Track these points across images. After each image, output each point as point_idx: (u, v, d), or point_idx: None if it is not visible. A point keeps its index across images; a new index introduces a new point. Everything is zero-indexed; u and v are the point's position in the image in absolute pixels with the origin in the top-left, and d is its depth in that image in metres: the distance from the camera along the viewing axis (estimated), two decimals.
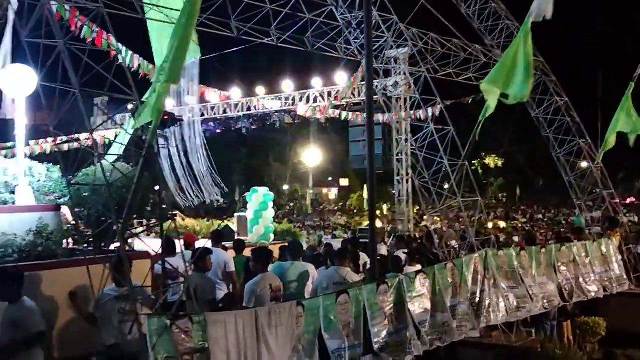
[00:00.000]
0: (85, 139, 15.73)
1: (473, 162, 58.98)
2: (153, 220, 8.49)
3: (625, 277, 11.61)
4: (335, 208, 54.16)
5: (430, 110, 15.80)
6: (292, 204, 54.85)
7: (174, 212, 20.78)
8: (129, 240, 8.38)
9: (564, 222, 32.03)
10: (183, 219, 20.82)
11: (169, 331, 4.86)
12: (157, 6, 9.55)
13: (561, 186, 18.22)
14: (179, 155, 23.79)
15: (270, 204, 17.74)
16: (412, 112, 18.51)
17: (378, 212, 37.61)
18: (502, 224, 29.28)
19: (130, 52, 17.14)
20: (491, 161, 62.00)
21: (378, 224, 25.10)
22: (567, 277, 10.10)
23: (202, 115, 24.72)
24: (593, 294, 10.51)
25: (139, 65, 17.67)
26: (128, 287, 5.77)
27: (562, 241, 13.83)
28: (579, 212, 18.46)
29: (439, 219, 21.45)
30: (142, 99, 6.00)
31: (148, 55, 15.44)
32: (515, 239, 18.05)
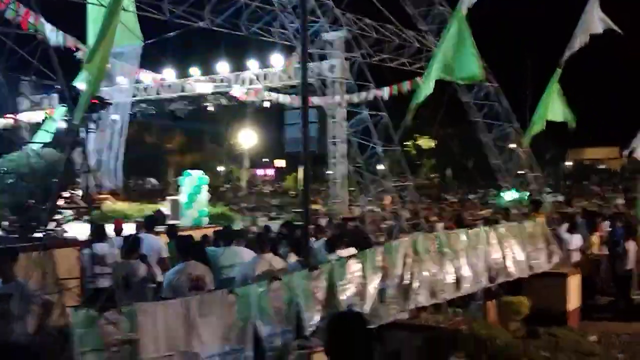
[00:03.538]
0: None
1: (407, 143, 59.83)
2: (81, 205, 8.28)
3: (548, 257, 12.01)
4: (271, 189, 54.06)
5: (364, 95, 15.88)
6: (227, 186, 54.43)
7: (104, 196, 20.44)
8: (56, 228, 8.14)
9: (491, 202, 32.86)
10: (114, 203, 20.34)
11: (96, 323, 4.73)
12: None
13: (490, 167, 18.67)
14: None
15: (205, 187, 17.54)
16: (346, 96, 18.58)
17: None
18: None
19: (62, 34, 16.41)
20: (424, 143, 62.94)
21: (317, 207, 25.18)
22: (494, 258, 10.34)
23: (134, 95, 24.13)
24: (517, 274, 10.81)
25: (77, 48, 17.07)
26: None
27: (490, 222, 14.23)
28: (504, 194, 18.99)
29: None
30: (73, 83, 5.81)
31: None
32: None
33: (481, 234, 10.17)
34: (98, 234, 8.22)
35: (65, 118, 6.35)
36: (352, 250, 9.47)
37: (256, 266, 7.65)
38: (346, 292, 7.20)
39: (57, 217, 7.66)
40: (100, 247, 8.27)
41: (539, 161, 18.31)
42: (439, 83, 8.21)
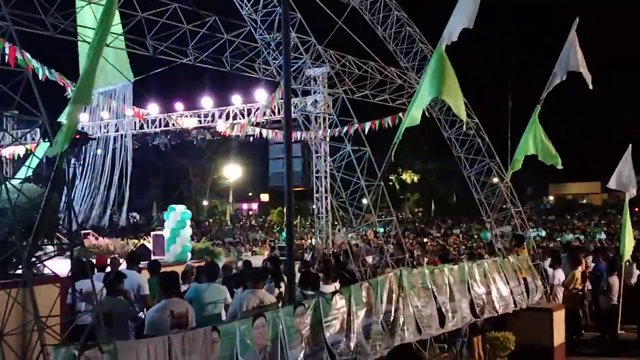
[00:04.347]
0: None
1: (390, 177, 60.19)
2: (63, 241, 8.17)
3: (532, 292, 12.01)
4: (255, 224, 53.84)
5: (347, 129, 15.95)
6: (211, 220, 54.17)
7: (86, 232, 20.24)
8: (37, 264, 8.01)
9: (475, 237, 32.95)
10: (96, 238, 20.15)
11: None
12: (83, 27, 9.27)
13: (473, 202, 18.71)
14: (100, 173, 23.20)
15: (188, 222, 17.44)
16: (329, 130, 18.66)
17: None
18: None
19: (48, 70, 16.41)
20: (407, 177, 63.35)
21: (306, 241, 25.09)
22: (478, 294, 10.34)
23: (117, 130, 24.10)
24: (503, 309, 10.80)
25: (64, 84, 17.11)
26: None
27: (474, 257, 14.25)
28: (488, 228, 19.01)
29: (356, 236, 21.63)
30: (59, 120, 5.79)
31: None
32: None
33: (466, 269, 10.18)
34: (80, 270, 8.11)
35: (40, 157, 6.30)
36: (337, 286, 9.44)
37: (246, 301, 7.58)
38: (331, 329, 7.14)
39: (38, 253, 7.54)
40: (82, 284, 8.16)
41: (520, 196, 18.37)
42: (422, 118, 8.27)
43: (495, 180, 18.55)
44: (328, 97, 17.40)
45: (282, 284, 9.42)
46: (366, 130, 19.75)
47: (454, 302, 9.58)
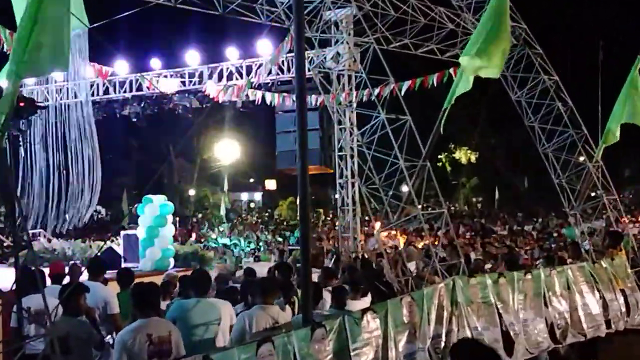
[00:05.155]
0: None
1: (439, 156, 59.96)
2: (5, 243, 8.26)
3: (632, 309, 11.97)
4: (259, 220, 54.06)
5: (379, 92, 15.89)
6: (200, 215, 54.44)
7: (36, 232, 20.45)
8: None
9: (555, 234, 32.77)
10: (49, 241, 20.37)
11: None
12: None
13: (551, 189, 18.60)
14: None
15: (169, 218, 17.53)
16: (356, 93, 18.60)
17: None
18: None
19: None
20: (462, 155, 63.04)
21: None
22: (559, 311, 10.33)
23: (75, 96, 24.26)
24: (592, 331, 10.77)
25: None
26: None
27: (554, 262, 14.18)
28: (573, 222, 18.91)
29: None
30: None
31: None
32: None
33: (542, 279, 10.16)
34: (29, 282, 8.20)
35: None
36: (368, 301, 9.45)
37: (255, 321, 7.61)
38: (361, 358, 7.16)
39: None
40: (31, 300, 8.23)
41: (615, 180, 18.23)
42: (479, 77, 8.22)
43: (582, 158, 18.41)
44: (354, 49, 17.33)
45: (295, 299, 9.45)
46: (403, 91, 19.61)
47: (526, 323, 9.57)
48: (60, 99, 24.24)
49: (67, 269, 11.68)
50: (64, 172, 23.66)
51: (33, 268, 7.13)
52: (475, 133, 57.34)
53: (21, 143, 21.97)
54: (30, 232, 19.63)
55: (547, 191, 21.37)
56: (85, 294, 8.50)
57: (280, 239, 34.05)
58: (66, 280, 10.71)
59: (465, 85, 8.16)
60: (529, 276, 10.04)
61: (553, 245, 26.32)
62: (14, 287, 7.64)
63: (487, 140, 58.93)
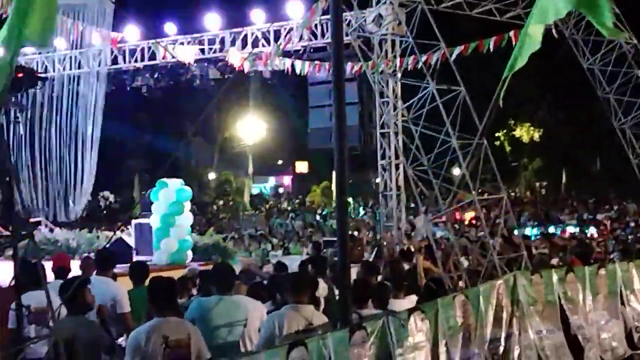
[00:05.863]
0: None
1: (497, 134, 59.51)
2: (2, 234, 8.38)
3: None
4: (289, 208, 54.17)
5: (426, 59, 15.83)
6: (221, 202, 54.63)
7: (37, 220, 20.65)
8: None
9: (632, 224, 32.52)
10: (51, 230, 20.56)
11: None
12: None
13: (629, 171, 18.48)
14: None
15: (187, 205, 17.62)
16: (401, 61, 18.53)
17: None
18: None
19: None
20: (524, 133, 62.47)
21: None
22: (638, 312, 10.25)
23: (79, 67, 24.45)
24: None
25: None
26: None
27: (632, 255, 14.06)
28: None
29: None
30: None
31: None
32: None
33: (618, 275, 10.09)
34: (29, 278, 8.29)
35: None
36: (414, 300, 9.46)
37: (287, 322, 7.64)
38: None
39: None
40: (32, 297, 8.33)
41: None
42: (548, 39, 8.14)
43: None
44: (399, 9, 17.26)
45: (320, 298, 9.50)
46: (453, 57, 19.41)
47: (599, 326, 9.53)
48: (63, 70, 24.42)
49: (72, 263, 11.77)
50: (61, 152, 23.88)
51: (34, 261, 7.19)
52: (540, 107, 56.81)
53: (20, 120, 22.20)
54: (31, 220, 19.83)
55: (624, 174, 21.18)
56: (88, 287, 8.54)
57: (311, 229, 34.13)
58: (71, 275, 10.78)
59: (534, 45, 8.03)
60: (602, 271, 9.97)
61: (630, 237, 26.14)
62: (12, 283, 7.75)
63: (553, 116, 58.25)
